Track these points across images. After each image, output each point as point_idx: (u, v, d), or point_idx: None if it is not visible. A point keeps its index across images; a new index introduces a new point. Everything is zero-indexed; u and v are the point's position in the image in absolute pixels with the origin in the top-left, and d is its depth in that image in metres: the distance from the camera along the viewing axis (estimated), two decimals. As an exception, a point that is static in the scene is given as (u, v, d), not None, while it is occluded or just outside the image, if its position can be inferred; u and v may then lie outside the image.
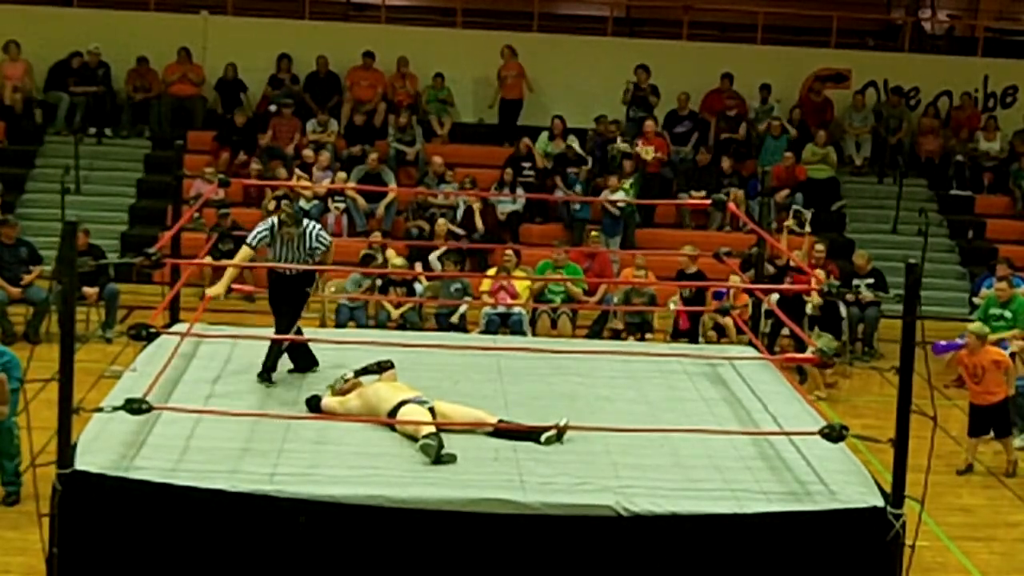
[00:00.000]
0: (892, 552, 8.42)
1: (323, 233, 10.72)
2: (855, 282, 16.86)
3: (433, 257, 17.80)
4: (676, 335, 17.04)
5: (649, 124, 21.80)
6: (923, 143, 23.09)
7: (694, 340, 16.82)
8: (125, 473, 8.28)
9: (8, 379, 10.51)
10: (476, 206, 20.11)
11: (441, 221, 19.45)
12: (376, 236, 18.75)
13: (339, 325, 16.35)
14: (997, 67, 23.82)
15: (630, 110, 22.49)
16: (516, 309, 17.02)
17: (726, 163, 21.60)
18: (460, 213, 20.18)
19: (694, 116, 22.75)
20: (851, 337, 17.37)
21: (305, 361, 10.74)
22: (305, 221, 10.70)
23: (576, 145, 21.46)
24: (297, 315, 10.59)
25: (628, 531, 8.26)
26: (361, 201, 20.48)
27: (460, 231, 19.81)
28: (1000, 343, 15.95)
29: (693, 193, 20.89)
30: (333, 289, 17.40)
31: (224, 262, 17.38)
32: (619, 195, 20.18)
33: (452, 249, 18.43)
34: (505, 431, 9.32)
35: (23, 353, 10.68)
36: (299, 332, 10.69)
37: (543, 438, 9.21)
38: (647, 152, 21.19)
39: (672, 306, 17.03)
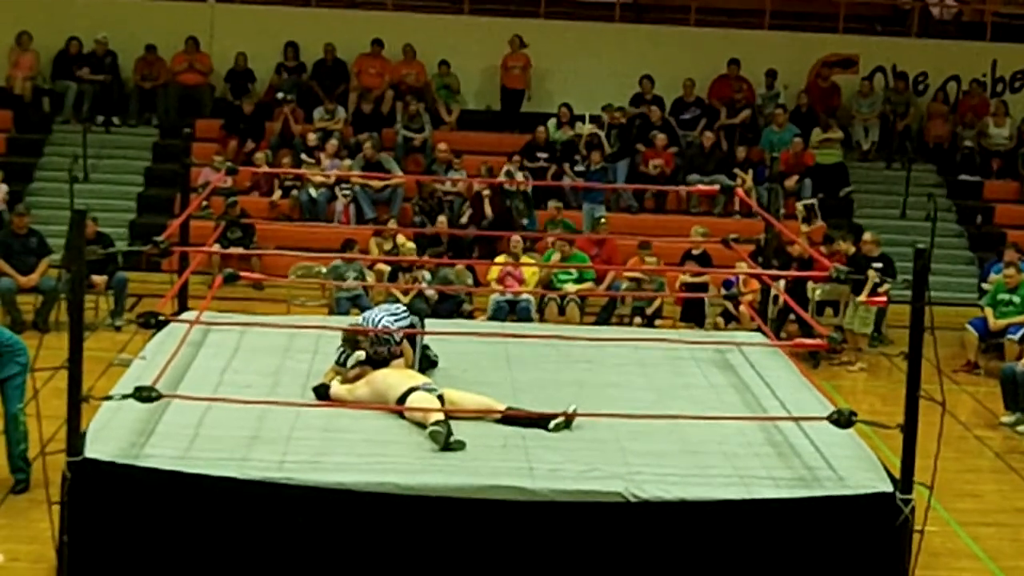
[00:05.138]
0: (901, 538, 8.43)
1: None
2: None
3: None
4: (684, 318, 17.13)
5: (660, 139, 21.68)
6: (931, 128, 23.05)
7: (700, 325, 16.87)
8: (135, 461, 8.30)
9: (11, 363, 10.50)
10: (485, 193, 20.10)
11: (441, 219, 19.41)
12: (392, 224, 18.78)
13: (341, 313, 16.25)
14: (1006, 52, 23.74)
15: (636, 120, 22.35)
16: (524, 296, 17.02)
17: (741, 152, 21.60)
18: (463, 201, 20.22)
19: (701, 103, 22.73)
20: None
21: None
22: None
23: (598, 132, 21.48)
24: None
25: (637, 517, 8.28)
26: (375, 183, 20.47)
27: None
28: (1009, 329, 15.99)
29: (703, 179, 20.91)
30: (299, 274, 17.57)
31: (233, 250, 17.51)
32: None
33: (435, 243, 18.59)
34: (514, 418, 9.33)
35: (32, 341, 10.70)
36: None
37: (551, 425, 9.22)
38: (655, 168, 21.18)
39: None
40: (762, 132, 22.41)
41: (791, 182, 21.28)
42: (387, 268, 17.51)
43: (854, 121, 23.01)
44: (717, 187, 16.81)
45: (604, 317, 17.33)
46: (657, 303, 17.28)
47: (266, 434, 8.91)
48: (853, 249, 16.71)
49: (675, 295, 17.26)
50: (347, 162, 20.74)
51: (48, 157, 21.47)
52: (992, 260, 18.43)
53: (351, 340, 10.24)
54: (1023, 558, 10.72)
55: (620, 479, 8.39)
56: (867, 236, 17.26)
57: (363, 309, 16.45)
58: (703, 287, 17.32)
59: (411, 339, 10.35)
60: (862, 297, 16.23)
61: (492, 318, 16.57)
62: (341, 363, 10.21)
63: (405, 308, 10.75)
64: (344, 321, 11.72)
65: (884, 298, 16.45)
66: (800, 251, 16.08)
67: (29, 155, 21.49)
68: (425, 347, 10.65)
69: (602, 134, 21.49)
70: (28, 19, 22.35)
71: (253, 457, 8.50)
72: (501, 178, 20.29)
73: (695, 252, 17.67)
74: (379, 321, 10.24)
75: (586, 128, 21.71)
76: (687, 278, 17.45)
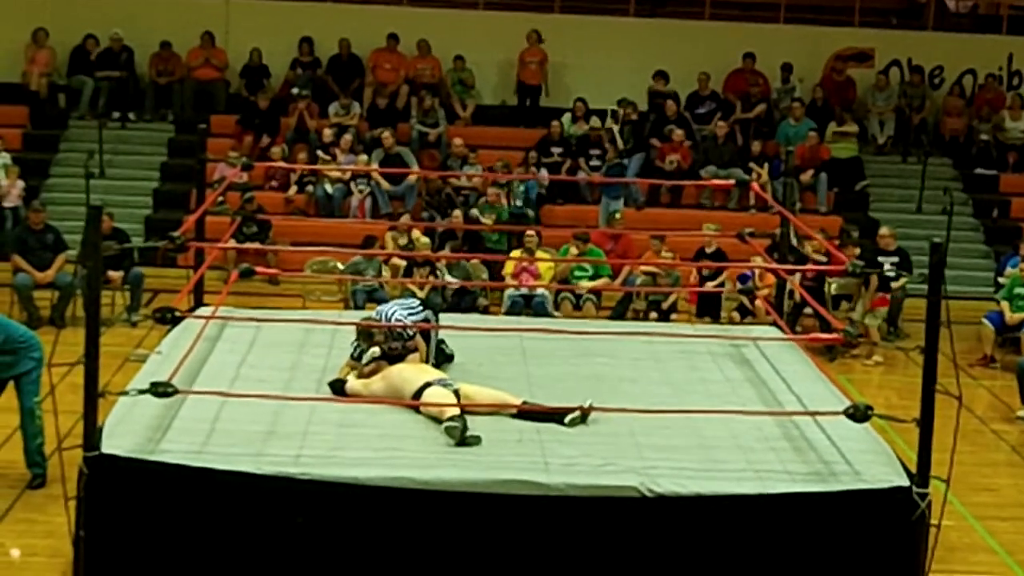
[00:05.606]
0: (917, 532, 8.41)
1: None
2: (880, 258, 16.76)
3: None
4: (700, 312, 17.11)
5: (677, 134, 21.62)
6: (947, 122, 23.03)
7: (716, 319, 16.85)
8: (151, 456, 8.31)
9: (26, 359, 10.54)
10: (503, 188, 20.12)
11: (457, 213, 19.41)
12: (406, 219, 18.78)
13: (357, 307, 16.30)
14: (1022, 45, 23.69)
15: (650, 115, 22.33)
16: (539, 291, 17.02)
17: (756, 146, 21.58)
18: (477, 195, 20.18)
19: (716, 96, 22.71)
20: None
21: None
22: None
23: (612, 127, 21.43)
24: None
25: (652, 512, 8.27)
26: (385, 184, 20.52)
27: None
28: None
29: (719, 171, 20.89)
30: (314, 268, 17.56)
31: (248, 246, 17.54)
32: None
33: (448, 238, 18.60)
34: (529, 413, 9.33)
35: (48, 337, 10.72)
36: None
37: (567, 420, 9.21)
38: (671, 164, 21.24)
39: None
40: (777, 126, 22.39)
41: (807, 176, 21.26)
42: (403, 263, 17.52)
43: (870, 115, 22.98)
44: (732, 181, 16.79)
45: (619, 312, 17.31)
46: (673, 298, 17.27)
47: (282, 429, 8.92)
48: (858, 251, 16.65)
49: (690, 290, 17.23)
50: (363, 157, 20.76)
51: (64, 153, 21.53)
52: (1008, 254, 18.40)
53: (365, 334, 10.26)
54: (1040, 552, 10.69)
55: (635, 473, 8.39)
56: (884, 231, 17.20)
57: (379, 303, 16.50)
58: (719, 283, 17.29)
59: (425, 333, 10.35)
60: (866, 301, 16.28)
61: (508, 313, 16.58)
62: (356, 357, 10.23)
63: (420, 303, 10.75)
64: (359, 315, 11.72)
65: (886, 298, 16.51)
66: (814, 248, 16.11)
67: (45, 151, 21.55)
68: (441, 342, 10.66)
69: (616, 128, 21.44)
70: (44, 15, 22.40)
71: (269, 452, 8.51)
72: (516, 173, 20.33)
73: (708, 250, 17.60)
74: (392, 315, 10.25)
75: (607, 122, 21.65)
76: (703, 287, 17.32)
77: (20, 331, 10.76)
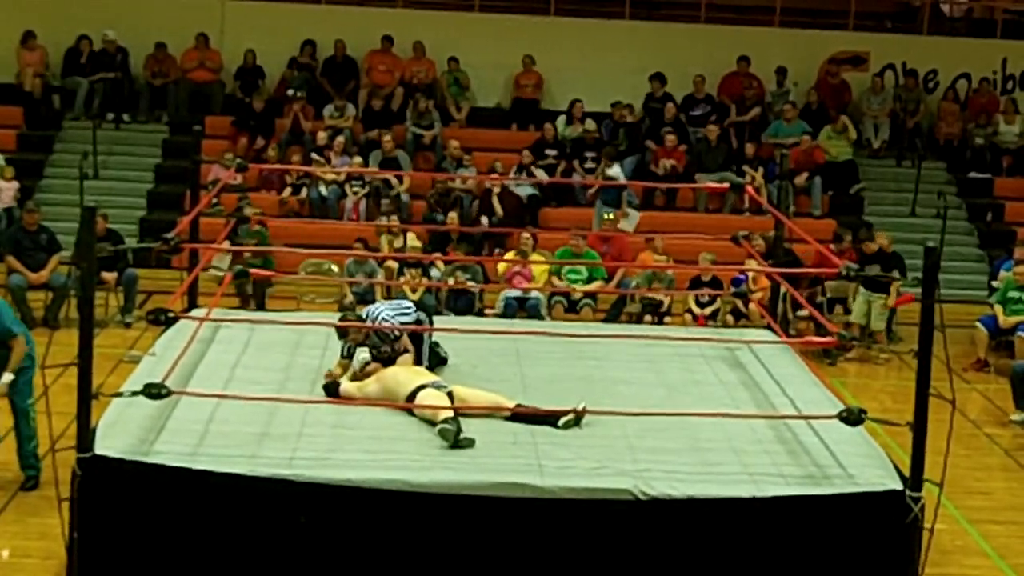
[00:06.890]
0: (911, 535, 8.43)
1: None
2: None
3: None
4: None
5: (670, 139, 21.58)
6: (942, 126, 23.03)
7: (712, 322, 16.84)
8: (144, 457, 8.32)
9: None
10: (495, 189, 20.10)
11: (452, 215, 19.37)
12: (394, 220, 18.77)
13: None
14: (1016, 49, 23.71)
15: (645, 119, 22.34)
16: (533, 293, 16.99)
17: (750, 148, 21.58)
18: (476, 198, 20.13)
19: (711, 99, 22.72)
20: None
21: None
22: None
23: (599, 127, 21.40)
24: None
25: (646, 515, 8.28)
26: (395, 182, 20.47)
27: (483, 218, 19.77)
28: (1019, 326, 15.96)
29: (709, 177, 20.88)
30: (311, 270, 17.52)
31: (242, 248, 17.50)
32: (615, 170, 20.41)
33: (464, 237, 18.48)
34: (523, 415, 9.33)
35: (42, 338, 10.72)
36: None
37: (561, 422, 9.22)
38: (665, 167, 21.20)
39: (690, 314, 16.98)
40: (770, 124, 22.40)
41: (801, 179, 21.28)
42: (396, 265, 17.50)
43: (864, 118, 22.99)
44: (727, 185, 16.77)
45: (614, 314, 17.29)
46: (667, 300, 17.20)
47: (276, 431, 8.92)
48: (876, 248, 16.63)
49: (684, 292, 17.17)
50: (357, 159, 20.74)
51: (58, 154, 21.51)
52: (1002, 257, 18.39)
53: (342, 332, 10.30)
54: (1033, 556, 10.70)
55: (629, 476, 8.39)
56: (884, 239, 17.14)
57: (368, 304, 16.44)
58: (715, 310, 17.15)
59: (416, 335, 10.34)
60: (891, 301, 16.27)
61: (502, 315, 16.56)
62: (346, 356, 10.24)
63: (411, 305, 10.75)
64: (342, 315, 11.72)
65: (911, 296, 16.47)
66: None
67: (40, 152, 21.53)
68: (435, 344, 10.65)
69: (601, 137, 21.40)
70: (39, 16, 22.38)
71: (263, 454, 8.51)
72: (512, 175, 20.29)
73: (704, 279, 17.30)
74: (378, 317, 10.24)
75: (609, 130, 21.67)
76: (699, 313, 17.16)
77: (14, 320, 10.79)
